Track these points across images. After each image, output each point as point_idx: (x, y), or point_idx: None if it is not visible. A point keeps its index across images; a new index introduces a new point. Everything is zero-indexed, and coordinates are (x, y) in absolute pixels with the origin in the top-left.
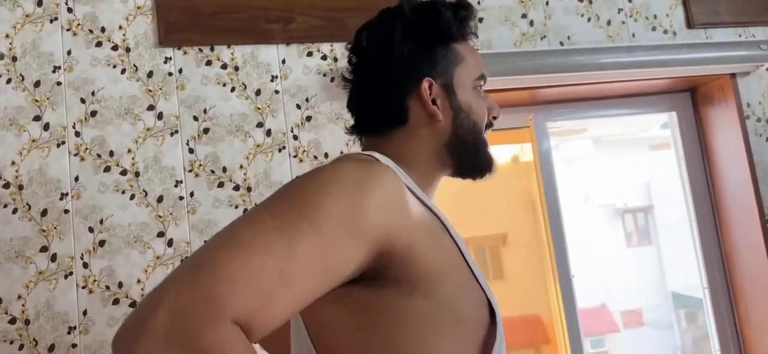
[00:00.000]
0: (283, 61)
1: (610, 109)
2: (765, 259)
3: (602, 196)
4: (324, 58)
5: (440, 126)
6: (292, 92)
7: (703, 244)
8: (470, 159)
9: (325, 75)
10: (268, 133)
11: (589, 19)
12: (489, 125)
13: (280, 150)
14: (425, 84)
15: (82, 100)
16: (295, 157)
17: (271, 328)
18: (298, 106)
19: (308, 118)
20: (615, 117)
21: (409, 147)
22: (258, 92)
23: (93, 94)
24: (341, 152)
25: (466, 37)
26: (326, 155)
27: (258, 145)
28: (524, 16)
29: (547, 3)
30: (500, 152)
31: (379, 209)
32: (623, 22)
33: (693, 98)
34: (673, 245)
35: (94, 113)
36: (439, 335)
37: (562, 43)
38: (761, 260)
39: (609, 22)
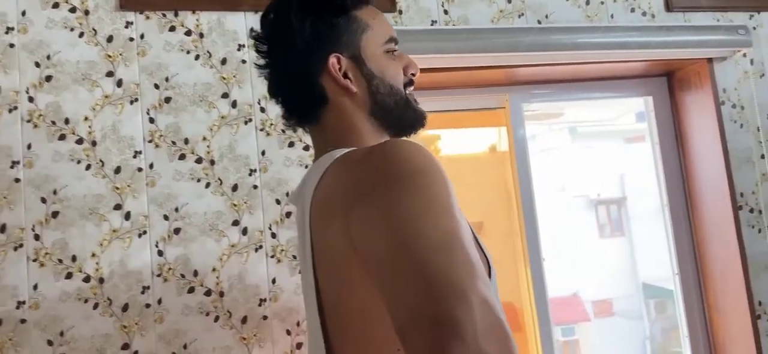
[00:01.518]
0: (251, 30)
1: (586, 92)
2: (736, 247)
3: (577, 187)
4: None
5: (358, 96)
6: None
7: (676, 230)
8: (398, 119)
9: None
10: (234, 104)
11: None
12: (409, 83)
13: (246, 122)
14: (332, 59)
15: (37, 64)
16: (262, 130)
17: None
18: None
19: None
20: (591, 100)
21: (344, 122)
22: (224, 61)
23: (48, 57)
24: None
25: (365, 3)
26: (295, 129)
27: (223, 117)
28: None
29: None
30: (480, 140)
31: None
32: (602, 2)
33: (669, 83)
34: (644, 237)
35: (49, 78)
36: None
37: (539, 22)
38: (732, 248)
39: (588, 2)
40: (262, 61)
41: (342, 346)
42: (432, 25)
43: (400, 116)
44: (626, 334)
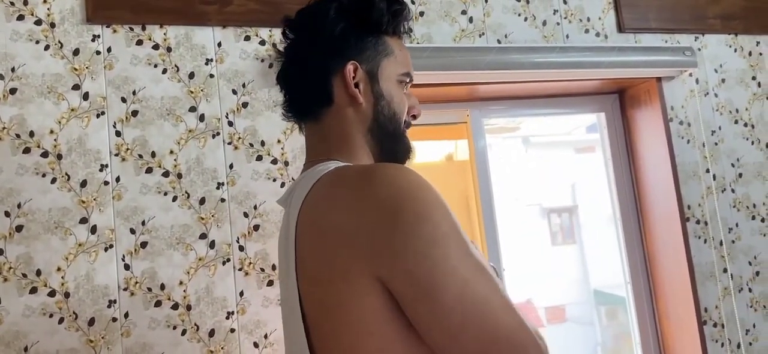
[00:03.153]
0: (219, 44)
1: (543, 108)
2: (684, 256)
3: (530, 196)
4: (262, 43)
5: (362, 109)
6: (228, 77)
7: (627, 240)
8: (391, 146)
9: (263, 61)
10: (201, 118)
11: (526, 19)
12: (407, 124)
13: (213, 136)
14: (350, 66)
15: (1, 77)
16: (229, 143)
17: None
18: (234, 92)
19: (244, 105)
20: (548, 116)
21: (340, 129)
22: (191, 75)
23: (13, 70)
24: (278, 140)
25: (397, 33)
26: (263, 143)
27: (190, 131)
28: (464, 12)
29: (486, 1)
30: (437, 149)
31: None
32: (558, 23)
33: (621, 100)
34: (595, 245)
35: (13, 91)
36: None
37: (499, 41)
38: (681, 257)
39: (544, 23)
40: (283, 46)
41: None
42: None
43: (394, 144)
44: (579, 340)
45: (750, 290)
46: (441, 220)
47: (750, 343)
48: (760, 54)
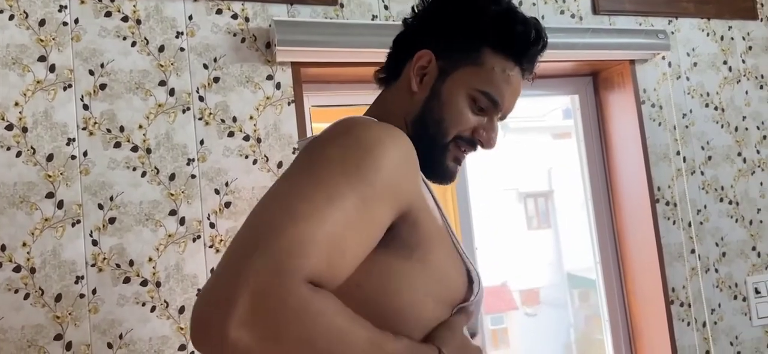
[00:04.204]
0: (190, 18)
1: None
2: (653, 237)
3: (507, 181)
4: (234, 17)
5: (414, 98)
6: (199, 51)
7: (598, 221)
8: (425, 151)
9: (235, 35)
10: (171, 92)
11: None
12: (468, 143)
13: (184, 111)
14: (421, 52)
15: None
16: (200, 119)
17: None
18: (205, 66)
19: (216, 79)
20: (524, 97)
21: (389, 105)
22: (161, 48)
23: None
24: (251, 117)
25: (512, 57)
26: (234, 119)
27: (160, 105)
28: None
29: None
30: None
31: (408, 174)
32: (534, 4)
33: (594, 82)
34: (570, 229)
35: None
36: (428, 296)
37: None
38: (650, 238)
39: (520, 3)
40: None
41: None
42: (372, 20)
43: (428, 151)
44: (552, 322)
45: (716, 271)
46: (342, 157)
47: (715, 323)
48: (732, 39)
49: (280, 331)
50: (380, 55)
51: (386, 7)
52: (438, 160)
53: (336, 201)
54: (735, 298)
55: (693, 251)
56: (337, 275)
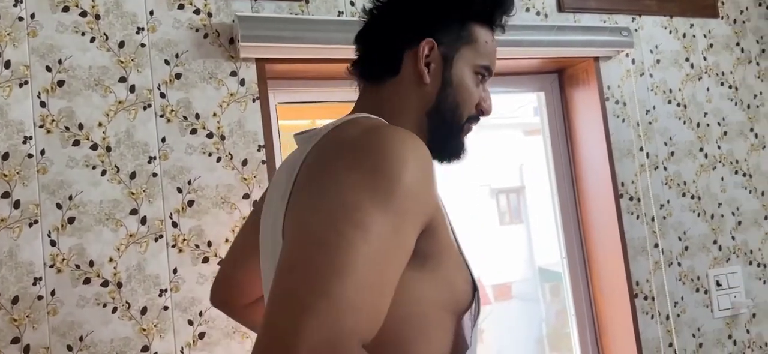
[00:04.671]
0: (151, 13)
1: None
2: (617, 232)
3: (480, 177)
4: (197, 12)
5: (426, 90)
6: (161, 47)
7: (564, 216)
8: (444, 138)
9: (197, 30)
10: (132, 89)
11: None
12: (474, 118)
13: (145, 108)
14: (426, 43)
15: None
16: (162, 116)
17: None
18: (167, 62)
19: (178, 76)
20: (492, 95)
21: (398, 101)
22: (121, 44)
23: None
24: (214, 114)
25: (490, 25)
26: (197, 116)
27: (120, 102)
28: None
29: None
30: None
31: (430, 188)
32: None
33: (560, 80)
34: (540, 224)
35: None
36: (436, 305)
37: None
38: (614, 232)
39: None
40: (370, 7)
41: None
42: (339, 16)
43: (447, 136)
44: (524, 316)
45: (679, 264)
46: (384, 187)
47: (678, 315)
48: (694, 36)
49: None
50: (347, 51)
51: (352, 3)
52: (457, 143)
53: (373, 241)
54: (697, 290)
55: (656, 245)
56: (380, 320)
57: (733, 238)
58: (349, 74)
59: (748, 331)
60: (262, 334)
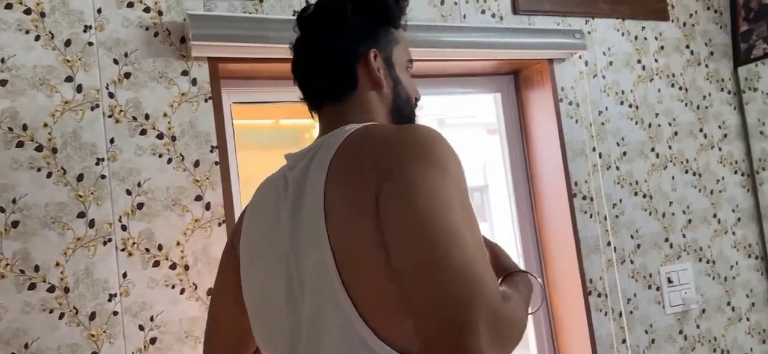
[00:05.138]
0: (99, 11)
1: (442, 87)
2: (570, 230)
3: None
4: (147, 10)
5: (384, 93)
6: (109, 45)
7: (520, 215)
8: None
9: (147, 29)
10: (79, 88)
11: None
12: (416, 103)
13: (92, 108)
14: (371, 54)
15: None
16: (110, 116)
17: None
18: (116, 61)
19: (127, 75)
20: (451, 95)
21: (365, 109)
22: (68, 43)
23: None
24: (165, 114)
25: (401, 25)
26: (147, 116)
27: (66, 102)
28: None
29: None
30: None
31: None
32: (456, 3)
33: (516, 81)
34: (503, 222)
35: None
36: None
37: None
38: (568, 231)
39: (442, 2)
40: (301, 37)
41: (358, 291)
42: (294, 15)
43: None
44: None
45: (632, 262)
46: (454, 172)
47: (631, 312)
48: (645, 39)
49: (510, 340)
50: None
51: (307, 3)
52: None
53: (476, 229)
54: (649, 287)
55: (609, 244)
56: None
57: (683, 235)
58: (304, 101)
59: (698, 327)
60: (443, 308)
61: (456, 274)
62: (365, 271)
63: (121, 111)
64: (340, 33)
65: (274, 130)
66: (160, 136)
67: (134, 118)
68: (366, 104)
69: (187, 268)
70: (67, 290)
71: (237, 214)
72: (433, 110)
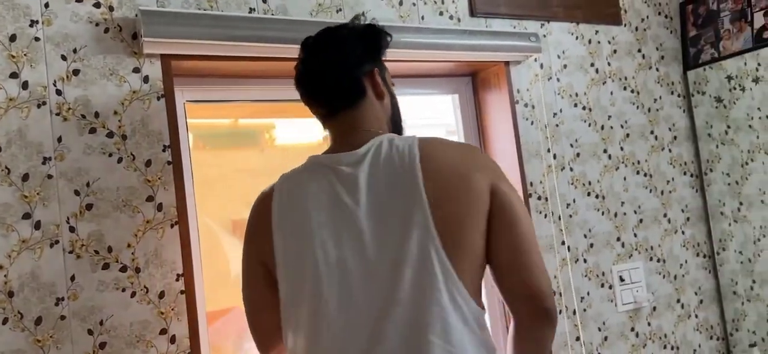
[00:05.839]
0: (46, 5)
1: (401, 88)
2: None
3: None
4: (97, 5)
5: (385, 103)
6: (57, 41)
7: None
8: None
9: (98, 25)
10: (25, 85)
11: None
12: None
13: (39, 105)
14: (376, 70)
15: None
16: (58, 115)
17: None
18: (64, 58)
19: (75, 72)
20: (409, 95)
21: (374, 114)
22: (13, 38)
23: None
24: (115, 112)
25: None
26: (97, 114)
27: (11, 99)
28: None
29: None
30: (311, 127)
31: None
32: (414, 4)
33: (473, 82)
34: None
35: None
36: None
37: (356, 18)
38: None
39: (401, 2)
40: (310, 59)
41: (458, 262)
42: (250, 13)
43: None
44: None
45: (585, 261)
46: None
47: (584, 310)
48: (598, 42)
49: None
50: (259, 49)
51: (264, 1)
52: None
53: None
54: (602, 286)
55: (563, 243)
56: None
57: (635, 235)
58: (321, 106)
59: (649, 324)
60: (544, 282)
61: (540, 263)
62: (464, 248)
63: (69, 109)
64: (351, 54)
65: (233, 130)
66: (110, 135)
67: (83, 116)
68: (375, 112)
69: (138, 270)
70: (11, 294)
71: (191, 215)
72: None
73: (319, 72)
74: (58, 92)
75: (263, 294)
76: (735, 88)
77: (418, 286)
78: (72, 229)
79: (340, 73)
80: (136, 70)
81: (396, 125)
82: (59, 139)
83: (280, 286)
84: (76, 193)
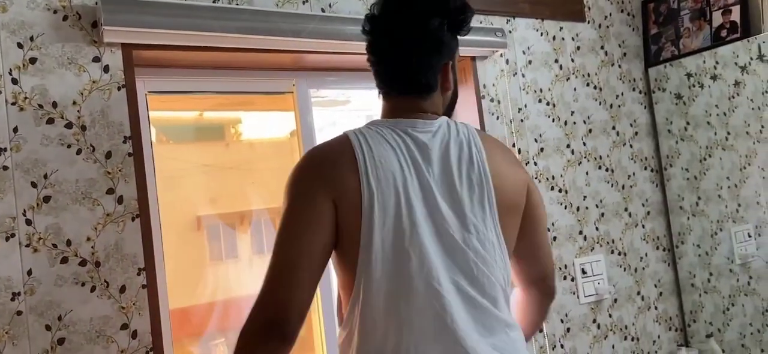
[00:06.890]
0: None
1: (365, 82)
2: None
3: None
4: None
5: (447, 95)
6: (13, 28)
7: None
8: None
9: (56, 12)
10: None
11: None
12: None
13: None
14: (449, 64)
15: None
16: (14, 104)
17: None
18: (20, 46)
19: (32, 60)
20: (368, 89)
21: (437, 105)
22: None
23: None
24: (74, 102)
25: None
26: (55, 104)
27: None
28: None
29: None
30: (278, 122)
31: None
32: None
33: None
34: None
35: None
36: None
37: (323, 10)
38: None
39: None
40: (388, 34)
41: (508, 244)
42: (214, 2)
43: None
44: None
45: None
46: None
47: None
48: (563, 39)
49: None
50: (222, 39)
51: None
52: None
53: None
54: (564, 278)
55: None
56: None
57: (596, 228)
58: (390, 86)
59: (610, 315)
60: (552, 266)
61: (550, 250)
62: (508, 225)
63: (25, 98)
64: (439, 43)
65: (198, 125)
66: (68, 126)
67: (40, 106)
68: (436, 100)
69: (98, 264)
70: None
71: (153, 208)
72: (363, 104)
73: (400, 57)
74: (14, 81)
75: (325, 245)
76: (694, 86)
77: (484, 261)
78: (28, 222)
79: (424, 67)
80: (96, 60)
81: (449, 112)
82: (15, 130)
83: (363, 230)
84: (33, 185)
